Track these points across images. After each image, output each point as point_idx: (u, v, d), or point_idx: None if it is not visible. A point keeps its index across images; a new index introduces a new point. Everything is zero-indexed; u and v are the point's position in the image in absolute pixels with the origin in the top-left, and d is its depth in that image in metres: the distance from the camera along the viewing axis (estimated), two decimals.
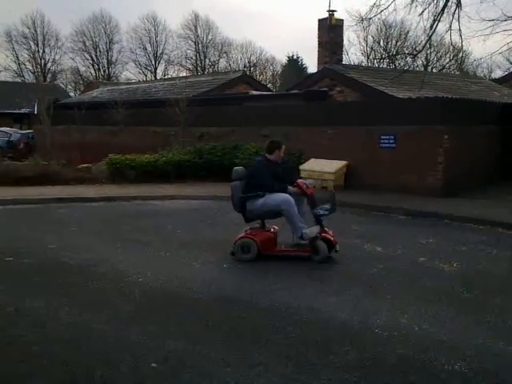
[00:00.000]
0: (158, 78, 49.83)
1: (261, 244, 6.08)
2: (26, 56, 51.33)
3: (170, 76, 49.86)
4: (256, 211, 6.28)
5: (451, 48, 35.14)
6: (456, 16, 11.57)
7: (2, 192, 11.80)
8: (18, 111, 36.75)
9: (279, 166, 6.49)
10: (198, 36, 54.96)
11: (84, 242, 7.11)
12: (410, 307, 4.57)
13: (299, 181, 6.33)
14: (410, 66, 17.47)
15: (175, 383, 3.22)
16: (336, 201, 6.37)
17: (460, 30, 11.76)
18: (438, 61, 43.48)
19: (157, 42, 54.96)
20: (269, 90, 25.70)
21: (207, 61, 55.91)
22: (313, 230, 6.10)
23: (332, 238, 6.09)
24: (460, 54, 30.07)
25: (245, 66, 52.58)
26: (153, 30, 54.82)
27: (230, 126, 15.08)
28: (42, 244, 6.97)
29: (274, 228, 6.41)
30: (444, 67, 42.74)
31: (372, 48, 44.93)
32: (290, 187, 6.20)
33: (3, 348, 3.75)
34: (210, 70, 53.29)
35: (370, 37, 44.23)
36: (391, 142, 11.94)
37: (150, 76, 54.33)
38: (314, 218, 6.20)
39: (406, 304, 4.65)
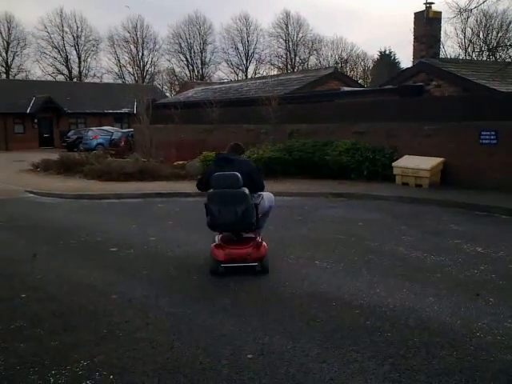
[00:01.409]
0: (249, 76, 50.68)
1: None
2: (127, 59, 54.33)
3: (260, 75, 50.59)
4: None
5: None
6: None
7: (106, 187, 12.60)
8: (118, 111, 38.99)
9: None
10: (288, 34, 55.33)
11: (182, 236, 7.42)
12: None
13: None
14: None
15: (271, 375, 3.29)
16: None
17: None
18: None
19: (248, 41, 56.05)
20: (360, 85, 25.26)
21: (297, 58, 56.15)
22: None
23: None
24: None
25: (335, 63, 52.12)
26: (245, 29, 55.97)
27: (321, 122, 14.99)
28: (143, 236, 7.37)
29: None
30: None
31: (470, 40, 42.71)
32: None
33: (110, 333, 4.01)
34: (300, 67, 53.40)
35: (468, 28, 42.12)
36: (492, 138, 11.31)
37: (241, 75, 55.48)
38: None
39: (510, 308, 4.41)
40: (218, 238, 5.68)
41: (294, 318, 4.24)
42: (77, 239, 7.30)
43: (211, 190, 5.53)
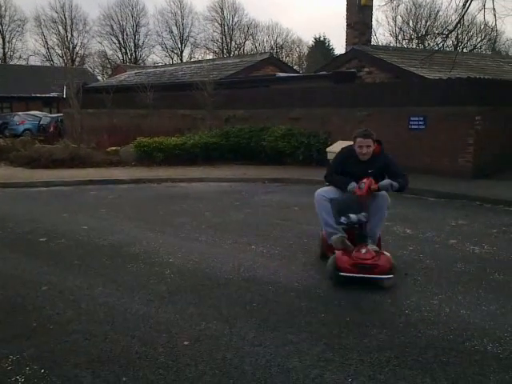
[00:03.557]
0: (184, 60, 49.92)
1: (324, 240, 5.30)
2: (55, 40, 52.08)
3: (196, 59, 49.89)
4: None
5: (483, 27, 34.32)
6: None
7: (34, 174, 12.08)
8: (47, 95, 37.28)
9: (367, 164, 4.99)
10: (224, 18, 54.82)
11: (115, 224, 7.24)
12: (441, 289, 4.54)
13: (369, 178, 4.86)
14: (440, 47, 17.05)
15: (208, 360, 3.28)
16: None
17: (494, 8, 11.46)
18: (468, 40, 42.49)
19: (183, 24, 55.09)
20: (296, 71, 25.48)
21: (233, 43, 55.80)
22: (334, 239, 4.95)
23: (338, 260, 4.62)
24: (493, 34, 29.34)
25: (271, 48, 52.26)
26: (179, 12, 54.92)
27: (257, 108, 15.03)
28: (75, 225, 7.13)
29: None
30: (475, 47, 41.75)
31: (401, 28, 44.19)
32: (352, 183, 4.87)
33: (41, 326, 3.86)
34: (236, 52, 53.17)
35: (398, 17, 43.49)
36: (421, 123, 11.76)
37: (176, 59, 54.54)
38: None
39: (436, 286, 4.63)
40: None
41: (230, 303, 4.25)
42: (3, 230, 6.95)
43: None
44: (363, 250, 4.62)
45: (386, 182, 4.80)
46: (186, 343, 3.52)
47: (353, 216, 4.79)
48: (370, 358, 3.30)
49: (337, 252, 4.73)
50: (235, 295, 4.42)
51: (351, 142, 5.34)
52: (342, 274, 4.55)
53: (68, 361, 3.32)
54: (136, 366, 3.23)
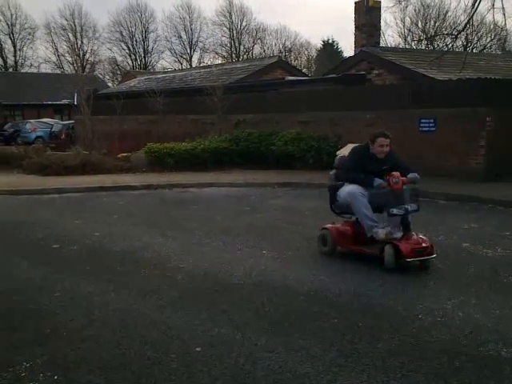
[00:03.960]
0: (194, 66, 50.10)
1: (336, 237, 5.69)
2: (65, 47, 52.43)
3: (205, 64, 50.04)
4: (339, 203, 5.75)
5: (493, 27, 34.05)
6: None
7: (47, 181, 12.18)
8: (58, 102, 37.58)
9: (382, 161, 5.50)
10: (232, 22, 54.90)
11: (127, 230, 7.28)
12: (454, 293, 4.50)
13: (393, 173, 5.22)
14: (449, 47, 16.98)
15: (221, 366, 3.28)
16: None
17: (503, 7, 11.37)
18: (478, 41, 42.13)
19: (192, 29, 55.26)
20: (304, 75, 25.46)
21: (242, 47, 55.86)
22: (384, 232, 5.25)
23: (403, 248, 5.02)
24: (502, 33, 29.12)
25: (279, 52, 52.25)
26: (187, 17, 55.12)
27: (266, 112, 15.04)
28: (87, 231, 7.18)
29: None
30: (485, 47, 41.41)
31: (409, 29, 43.91)
32: (377, 179, 5.38)
33: (54, 333, 3.89)
34: (245, 56, 53.22)
35: (407, 18, 43.26)
36: (431, 125, 11.70)
37: (185, 64, 54.74)
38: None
39: (449, 290, 4.59)
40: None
41: (242, 308, 4.25)
42: (16, 236, 7.02)
43: None
44: (414, 237, 5.15)
45: (412, 175, 5.32)
46: (198, 349, 3.53)
47: (408, 207, 5.18)
48: (382, 364, 3.27)
49: (395, 242, 5.10)
50: (247, 300, 4.42)
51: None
52: (408, 260, 5.02)
53: (81, 367, 3.33)
54: (149, 372, 3.24)
